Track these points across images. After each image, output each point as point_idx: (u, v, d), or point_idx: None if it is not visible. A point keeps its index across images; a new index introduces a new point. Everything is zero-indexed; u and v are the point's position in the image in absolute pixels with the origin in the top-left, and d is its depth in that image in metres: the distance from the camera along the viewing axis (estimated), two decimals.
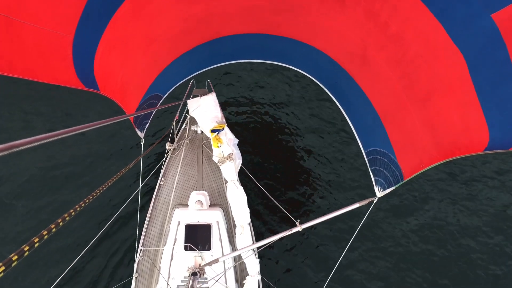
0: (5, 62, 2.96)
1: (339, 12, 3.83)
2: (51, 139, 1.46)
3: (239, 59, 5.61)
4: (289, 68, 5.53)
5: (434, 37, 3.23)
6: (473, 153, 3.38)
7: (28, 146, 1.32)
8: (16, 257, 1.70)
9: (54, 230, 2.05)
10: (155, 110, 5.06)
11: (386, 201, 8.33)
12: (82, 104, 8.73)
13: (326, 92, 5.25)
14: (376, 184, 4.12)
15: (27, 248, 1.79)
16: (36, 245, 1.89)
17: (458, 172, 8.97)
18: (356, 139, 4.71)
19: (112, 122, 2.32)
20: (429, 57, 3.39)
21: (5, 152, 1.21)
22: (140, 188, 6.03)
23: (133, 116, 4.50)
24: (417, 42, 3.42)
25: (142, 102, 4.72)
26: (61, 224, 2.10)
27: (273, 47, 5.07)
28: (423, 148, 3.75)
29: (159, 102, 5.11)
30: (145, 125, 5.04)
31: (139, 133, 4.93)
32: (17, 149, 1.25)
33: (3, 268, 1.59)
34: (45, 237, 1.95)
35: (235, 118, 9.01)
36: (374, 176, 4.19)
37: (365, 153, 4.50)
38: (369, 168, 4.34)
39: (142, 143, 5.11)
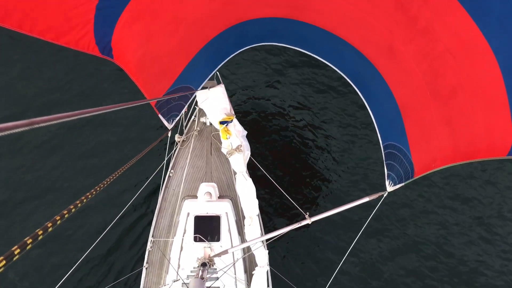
0: (29, 21, 2.97)
1: (368, 2, 3.75)
2: (72, 118, 1.50)
3: (264, 42, 5.53)
4: (305, 55, 5.45)
5: (466, 33, 3.14)
6: (495, 157, 3.30)
7: (48, 123, 1.36)
8: (41, 231, 1.76)
9: (73, 209, 2.07)
10: (187, 104, 5.03)
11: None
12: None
13: (341, 84, 5.18)
14: (388, 178, 4.09)
15: (50, 225, 1.84)
16: (59, 222, 1.95)
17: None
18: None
19: (136, 104, 2.32)
20: (458, 53, 3.30)
21: (26, 128, 1.25)
22: (162, 179, 6.03)
23: (155, 101, 4.46)
24: (447, 37, 3.32)
25: (171, 90, 4.65)
26: (79, 205, 2.13)
27: (298, 33, 4.98)
28: (439, 146, 3.68)
29: (191, 94, 5.07)
30: (175, 117, 5.00)
31: (166, 124, 4.90)
32: (37, 125, 1.30)
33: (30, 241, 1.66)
34: (66, 215, 2.00)
35: (244, 110, 8.99)
36: (387, 171, 4.15)
37: (383, 146, 4.44)
38: (384, 161, 4.29)
39: (169, 134, 5.09)
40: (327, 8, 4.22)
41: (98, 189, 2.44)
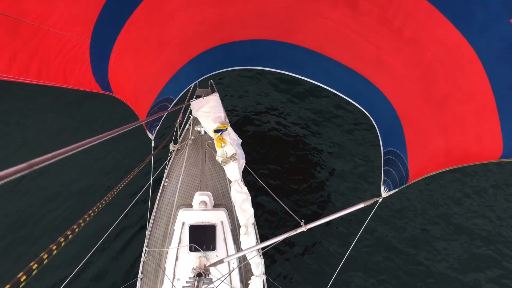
0: (33, 67, 2.92)
1: (351, 19, 3.80)
2: (67, 154, 1.46)
3: (250, 66, 5.56)
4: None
5: (451, 42, 3.18)
6: (487, 161, 3.35)
7: (47, 163, 1.32)
8: (36, 266, 1.75)
9: (77, 230, 2.06)
10: (166, 113, 5.07)
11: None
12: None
13: (331, 94, 5.18)
14: (383, 184, 4.09)
15: (54, 247, 1.83)
16: (63, 243, 1.93)
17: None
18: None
19: (126, 130, 2.26)
20: (446, 61, 3.35)
21: (27, 171, 1.20)
22: (150, 189, 6.02)
23: (145, 121, 4.48)
24: (433, 47, 3.37)
25: (153, 105, 4.72)
26: (82, 224, 2.11)
27: (285, 55, 5.02)
28: (434, 152, 3.71)
29: (170, 105, 5.10)
30: (156, 127, 5.05)
31: (150, 135, 4.93)
32: (37, 167, 1.24)
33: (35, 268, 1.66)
34: (70, 236, 2.00)
35: (238, 119, 9.00)
36: (384, 176, 4.15)
37: (383, 152, 4.45)
38: (382, 167, 4.29)
39: (153, 144, 5.12)
40: (313, 28, 4.27)
41: (91, 213, 2.40)
